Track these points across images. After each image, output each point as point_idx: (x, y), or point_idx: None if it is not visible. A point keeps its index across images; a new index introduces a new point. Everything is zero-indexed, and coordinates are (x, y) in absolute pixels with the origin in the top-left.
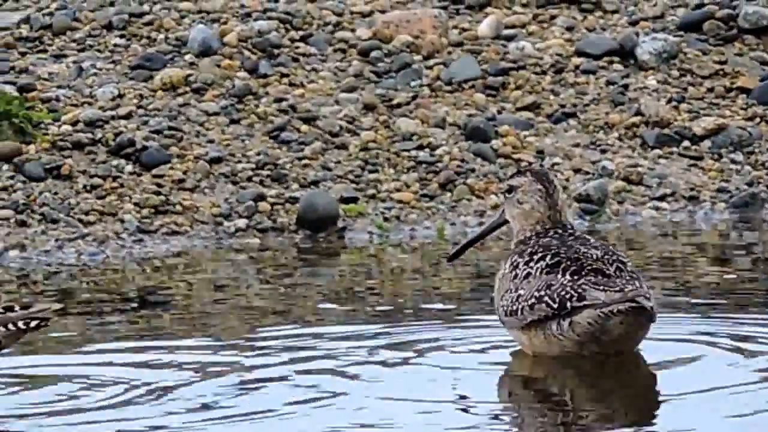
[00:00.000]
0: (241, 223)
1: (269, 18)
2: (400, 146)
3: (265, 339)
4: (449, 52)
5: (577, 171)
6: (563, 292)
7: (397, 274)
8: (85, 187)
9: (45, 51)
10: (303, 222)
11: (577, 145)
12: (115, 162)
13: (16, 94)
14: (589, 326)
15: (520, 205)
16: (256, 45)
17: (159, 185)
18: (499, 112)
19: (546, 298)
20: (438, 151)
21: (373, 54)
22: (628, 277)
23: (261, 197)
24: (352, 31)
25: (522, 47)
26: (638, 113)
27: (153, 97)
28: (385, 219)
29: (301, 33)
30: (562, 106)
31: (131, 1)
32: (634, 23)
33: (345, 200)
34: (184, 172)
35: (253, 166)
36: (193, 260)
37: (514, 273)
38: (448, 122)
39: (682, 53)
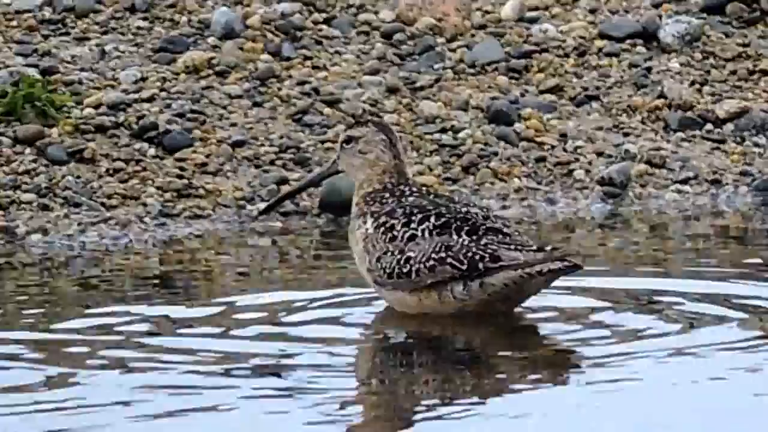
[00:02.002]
0: (264, 206)
1: (292, 0)
2: (423, 129)
3: (286, 324)
4: (472, 35)
5: (599, 154)
6: (470, 253)
7: None
8: (107, 170)
9: (68, 34)
10: (326, 205)
11: (600, 128)
12: (137, 145)
13: (38, 77)
14: (504, 287)
15: (363, 155)
16: (279, 27)
17: (182, 169)
18: (522, 95)
19: (450, 260)
20: (461, 134)
21: (396, 36)
22: (519, 235)
23: (284, 180)
24: (375, 13)
25: (545, 30)
26: (661, 96)
27: (176, 80)
28: None
29: (324, 15)
30: (585, 89)
31: None
32: (656, 5)
33: None
34: (207, 156)
35: (276, 149)
36: (216, 244)
37: (389, 235)
38: (471, 105)
39: (705, 36)
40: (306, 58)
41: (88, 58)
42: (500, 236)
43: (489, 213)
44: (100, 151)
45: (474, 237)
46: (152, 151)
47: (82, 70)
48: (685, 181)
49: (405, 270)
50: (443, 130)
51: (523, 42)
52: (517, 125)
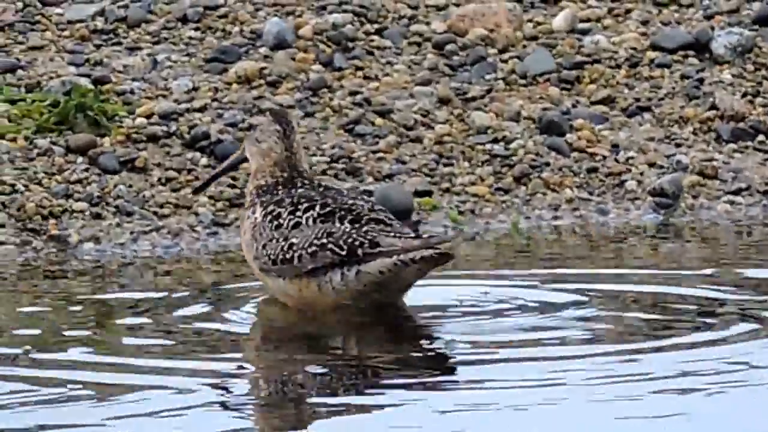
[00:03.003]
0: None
1: (344, 11)
2: (474, 140)
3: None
4: (524, 46)
5: (651, 165)
6: (350, 239)
7: (471, 266)
8: (159, 179)
9: (120, 43)
10: None
11: (651, 139)
12: (189, 155)
13: (90, 86)
14: (380, 275)
15: (258, 143)
16: (331, 38)
17: (233, 178)
18: (574, 106)
19: (330, 246)
20: (512, 145)
21: (448, 47)
22: (400, 226)
23: None
24: (427, 24)
25: (597, 41)
26: (713, 107)
27: (228, 90)
28: (460, 212)
29: (376, 26)
30: (637, 99)
31: None
32: (709, 17)
33: (419, 193)
34: None
35: (328, 159)
36: None
37: (275, 223)
38: (523, 116)
39: (757, 47)
40: (357, 68)
41: (140, 67)
42: (382, 225)
43: (375, 206)
44: (152, 161)
45: (356, 225)
46: (204, 160)
47: (134, 79)
48: (737, 192)
49: (288, 256)
50: (495, 141)
51: (574, 53)
52: (568, 136)
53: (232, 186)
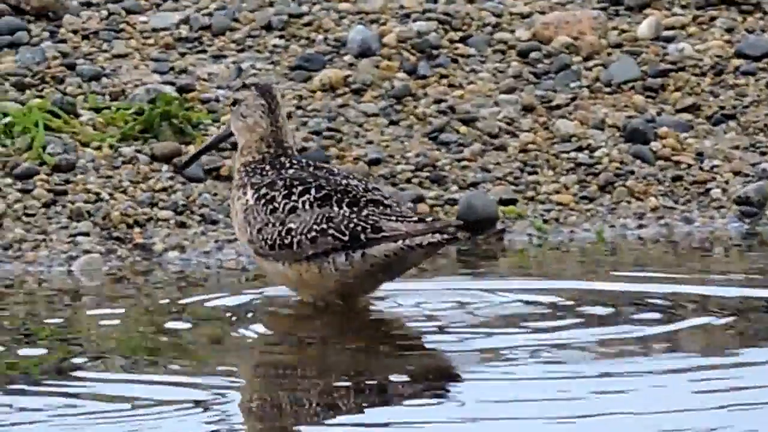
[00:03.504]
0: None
1: (428, 19)
2: (559, 148)
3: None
4: (608, 54)
5: (736, 173)
6: (351, 224)
7: (555, 275)
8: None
9: (204, 51)
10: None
11: (736, 148)
12: None
13: (175, 94)
14: (386, 258)
15: (243, 118)
16: (415, 46)
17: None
18: (659, 114)
19: (332, 231)
20: (597, 153)
21: (532, 55)
22: (398, 205)
23: (420, 199)
24: (511, 32)
25: (681, 48)
26: None
27: (312, 98)
28: (544, 221)
29: (460, 34)
30: (722, 107)
31: (290, 2)
32: None
33: (504, 202)
34: None
35: (413, 167)
36: None
37: (270, 207)
38: (608, 124)
39: None
40: (442, 76)
41: (225, 75)
42: (381, 207)
43: (369, 185)
44: None
45: (355, 208)
46: None
47: (218, 87)
48: None
49: (287, 241)
50: (579, 149)
51: (659, 61)
52: (653, 144)
53: None
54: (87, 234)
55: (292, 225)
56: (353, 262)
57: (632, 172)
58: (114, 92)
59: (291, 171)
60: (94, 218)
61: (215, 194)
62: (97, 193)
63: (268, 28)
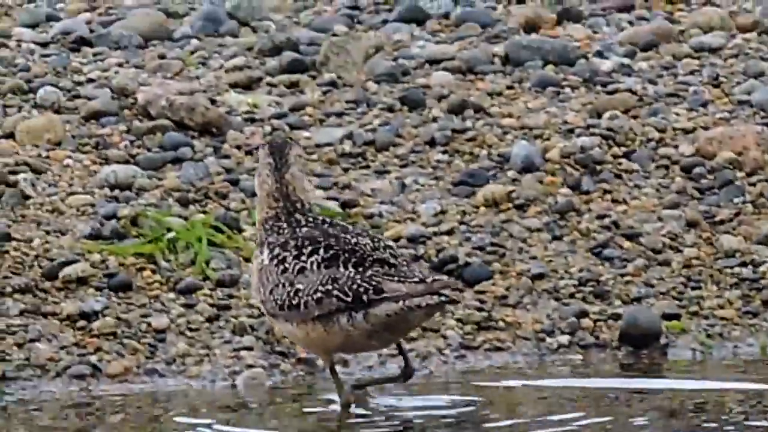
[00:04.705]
0: (564, 339)
1: (592, 134)
2: (722, 263)
3: None
4: None
5: None
6: (355, 285)
7: (721, 390)
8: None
9: (368, 167)
10: (625, 338)
11: None
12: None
13: (339, 209)
14: (387, 318)
15: (258, 176)
16: (579, 161)
17: (481, 301)
18: None
19: (336, 292)
20: (761, 268)
21: (696, 170)
22: (405, 265)
23: (584, 313)
24: (675, 147)
25: None
26: None
27: (475, 213)
28: (708, 336)
29: (623, 149)
30: None
31: (454, 118)
32: None
33: (667, 317)
34: (507, 288)
35: (576, 282)
36: (517, 374)
37: (281, 267)
38: None
39: None
40: (605, 191)
41: (388, 191)
42: (386, 267)
43: (379, 243)
44: None
45: (360, 269)
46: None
47: (381, 202)
48: None
49: (294, 302)
50: (743, 264)
51: None
52: None
53: (480, 309)
54: (251, 348)
55: (299, 285)
56: (355, 322)
57: None
58: None
59: (305, 230)
60: (257, 333)
61: None
62: (260, 308)
63: (432, 143)
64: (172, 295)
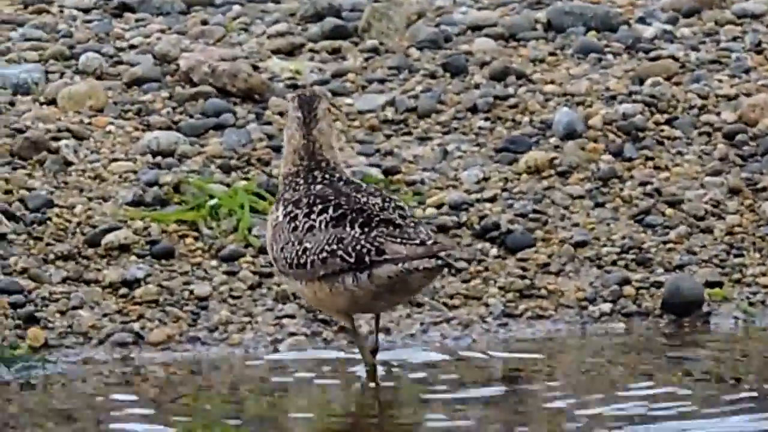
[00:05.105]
0: (606, 307)
1: (634, 101)
2: (765, 230)
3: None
4: None
5: None
6: (358, 246)
7: (764, 360)
8: (449, 270)
9: (410, 134)
10: (668, 306)
11: None
12: (479, 245)
13: (381, 176)
14: (389, 279)
15: (288, 130)
16: (621, 128)
17: (524, 269)
18: None
19: (340, 252)
20: None
21: (739, 137)
22: (413, 225)
23: (626, 281)
24: (717, 114)
25: None
26: None
27: (518, 180)
28: (751, 304)
29: (666, 116)
30: None
31: (496, 84)
32: None
33: (710, 284)
34: (549, 256)
35: (618, 249)
36: (558, 344)
37: (293, 225)
38: None
39: None
40: (647, 158)
41: (430, 158)
42: (391, 228)
43: (390, 203)
44: None
45: (366, 229)
46: (494, 251)
47: (424, 170)
48: None
49: (302, 261)
50: None
51: None
52: None
53: (522, 277)
54: (293, 316)
55: (307, 245)
56: (360, 283)
57: None
58: None
59: (318, 187)
60: (299, 300)
61: None
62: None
63: (474, 110)
64: (214, 263)
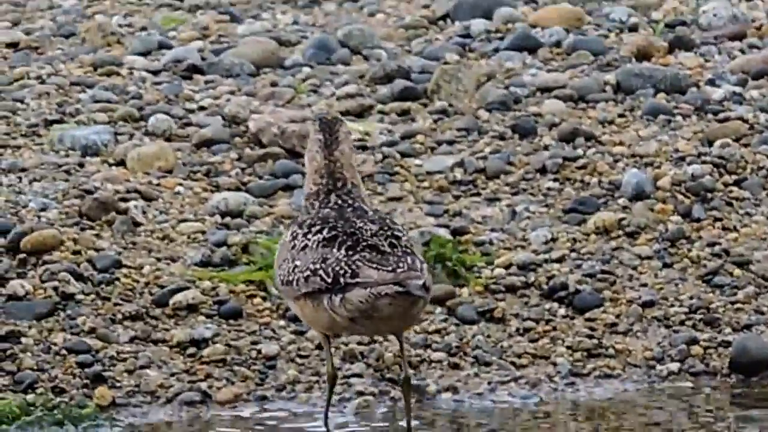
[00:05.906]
0: (674, 366)
1: (703, 162)
2: None
3: None
4: None
5: None
6: (337, 267)
7: None
8: (517, 329)
9: (478, 194)
10: (736, 366)
11: None
12: (547, 305)
13: (449, 237)
14: (360, 304)
15: (309, 152)
16: (690, 189)
17: (591, 329)
18: None
19: (320, 272)
20: None
21: None
22: (401, 254)
23: (694, 341)
24: None
25: None
26: None
27: (586, 241)
28: None
29: (734, 177)
30: None
31: (565, 146)
32: None
33: None
34: (617, 316)
35: (686, 309)
36: (626, 404)
37: (293, 243)
38: None
39: None
40: (716, 219)
41: (499, 218)
42: (374, 253)
43: (385, 231)
44: (510, 311)
45: (350, 252)
46: (562, 311)
47: (492, 230)
48: None
49: (290, 278)
50: None
51: None
52: None
53: (590, 336)
54: (360, 375)
55: (298, 263)
56: (333, 305)
57: None
58: None
59: (326, 210)
60: (368, 360)
61: (488, 336)
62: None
63: (543, 171)
64: (282, 323)
